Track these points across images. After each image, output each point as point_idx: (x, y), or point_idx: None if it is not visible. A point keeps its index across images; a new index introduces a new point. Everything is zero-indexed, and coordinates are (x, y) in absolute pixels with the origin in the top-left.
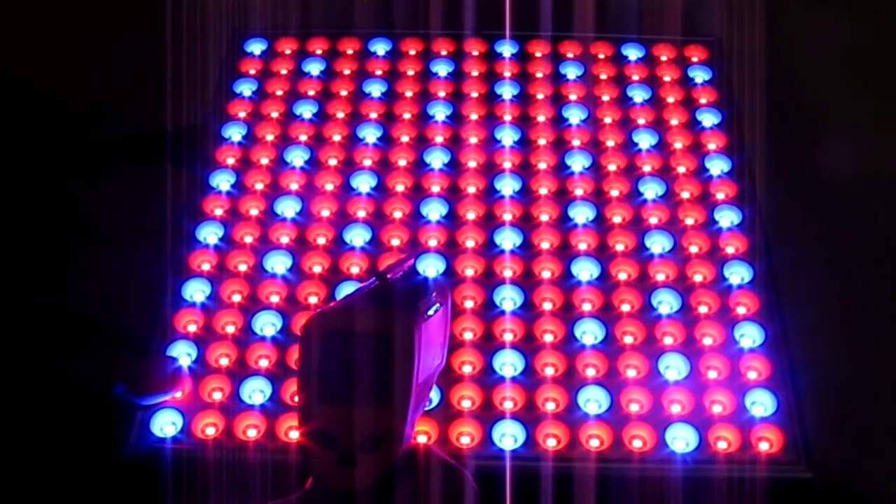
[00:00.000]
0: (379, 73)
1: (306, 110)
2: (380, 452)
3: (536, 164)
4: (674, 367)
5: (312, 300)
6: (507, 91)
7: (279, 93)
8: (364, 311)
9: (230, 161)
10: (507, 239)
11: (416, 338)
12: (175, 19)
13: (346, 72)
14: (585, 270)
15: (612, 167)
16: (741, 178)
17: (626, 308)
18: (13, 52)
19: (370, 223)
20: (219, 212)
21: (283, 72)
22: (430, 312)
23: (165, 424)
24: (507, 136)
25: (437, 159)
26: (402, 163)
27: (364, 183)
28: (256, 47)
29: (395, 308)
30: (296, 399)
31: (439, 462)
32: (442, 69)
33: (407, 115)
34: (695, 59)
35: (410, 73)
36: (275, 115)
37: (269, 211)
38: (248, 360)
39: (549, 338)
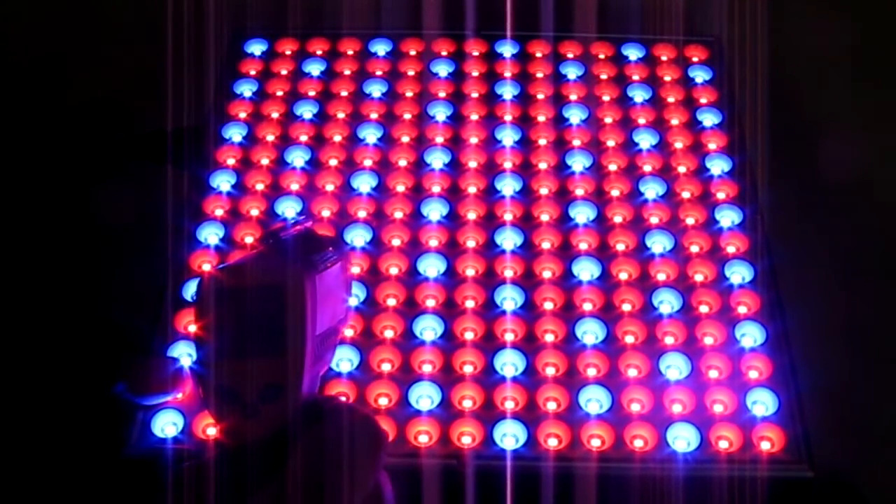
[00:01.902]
0: (379, 73)
1: (307, 111)
2: (280, 401)
3: (537, 163)
4: (675, 367)
5: None
6: (507, 91)
7: (279, 93)
8: (254, 266)
9: (230, 161)
10: (508, 239)
11: (308, 288)
12: (175, 20)
13: (347, 72)
14: (586, 270)
15: (612, 167)
16: (742, 178)
17: (627, 308)
18: (13, 51)
19: (371, 223)
20: (219, 212)
21: (284, 72)
22: (323, 265)
23: (166, 425)
24: (508, 136)
25: (437, 159)
26: (403, 163)
27: (364, 183)
28: (257, 48)
29: (285, 260)
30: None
31: (347, 412)
32: (442, 69)
33: (407, 116)
34: (695, 59)
35: (411, 73)
36: (275, 115)
37: (269, 211)
38: None
39: (549, 338)
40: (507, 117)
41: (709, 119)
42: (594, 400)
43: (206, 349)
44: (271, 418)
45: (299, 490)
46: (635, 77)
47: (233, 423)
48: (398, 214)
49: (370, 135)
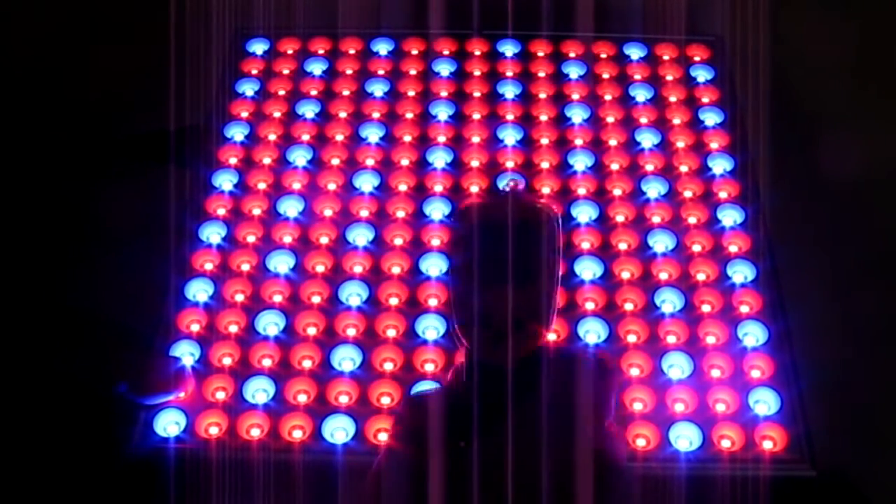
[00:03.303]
0: (381, 72)
1: (309, 110)
2: (531, 331)
3: (539, 163)
4: (677, 366)
5: (315, 300)
6: (509, 90)
7: (281, 92)
8: (514, 203)
9: (233, 161)
10: None
11: (560, 228)
12: (178, 20)
13: (349, 71)
14: (588, 269)
15: (614, 166)
16: (744, 177)
17: (629, 307)
18: (14, 52)
19: (373, 222)
20: (221, 211)
21: (286, 71)
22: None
23: (169, 424)
24: (510, 136)
25: (439, 159)
26: (405, 162)
27: (367, 182)
28: (259, 47)
29: (538, 202)
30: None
31: (590, 355)
32: (444, 69)
33: (409, 115)
34: (697, 59)
35: (413, 72)
36: (277, 114)
37: (271, 210)
38: (252, 360)
39: (552, 336)
40: (510, 116)
41: (711, 118)
42: None
43: (463, 276)
44: (523, 345)
45: (547, 416)
46: (637, 76)
47: (484, 346)
48: (400, 213)
49: (372, 134)
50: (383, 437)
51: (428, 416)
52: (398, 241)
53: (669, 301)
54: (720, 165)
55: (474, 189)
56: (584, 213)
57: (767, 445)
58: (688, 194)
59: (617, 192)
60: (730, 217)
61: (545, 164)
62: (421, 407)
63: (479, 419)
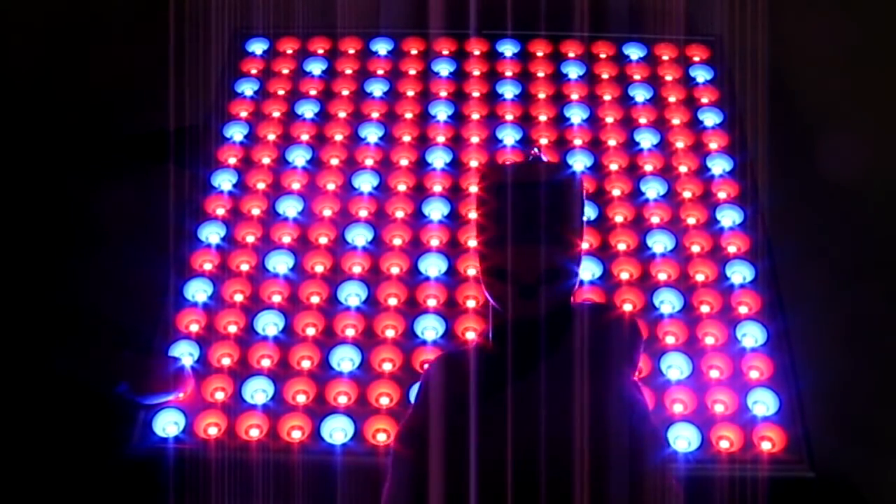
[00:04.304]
0: (380, 72)
1: (308, 110)
2: (557, 285)
3: None
4: (676, 367)
5: (314, 300)
6: (508, 90)
7: (281, 92)
8: (540, 164)
9: (232, 160)
10: None
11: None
12: (178, 19)
13: (348, 71)
14: (588, 270)
15: (613, 166)
16: (743, 178)
17: (628, 307)
18: (14, 52)
19: (372, 223)
20: (220, 211)
21: (285, 71)
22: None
23: (168, 424)
24: (509, 136)
25: (438, 159)
26: (404, 162)
27: (366, 182)
28: (258, 46)
29: (559, 164)
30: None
31: (616, 313)
32: (443, 68)
33: (409, 115)
34: (696, 59)
35: (412, 72)
36: (276, 114)
37: (270, 210)
38: (251, 360)
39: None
40: (509, 116)
41: (710, 119)
42: None
43: (487, 233)
44: (549, 299)
45: (573, 366)
46: (636, 76)
47: (509, 302)
48: (399, 214)
49: (371, 134)
50: (382, 438)
51: (459, 374)
52: (397, 242)
53: (668, 302)
54: (719, 166)
55: (473, 189)
56: None
57: (766, 446)
58: (687, 195)
59: (616, 192)
60: (729, 217)
61: None
62: (451, 366)
63: (511, 372)
